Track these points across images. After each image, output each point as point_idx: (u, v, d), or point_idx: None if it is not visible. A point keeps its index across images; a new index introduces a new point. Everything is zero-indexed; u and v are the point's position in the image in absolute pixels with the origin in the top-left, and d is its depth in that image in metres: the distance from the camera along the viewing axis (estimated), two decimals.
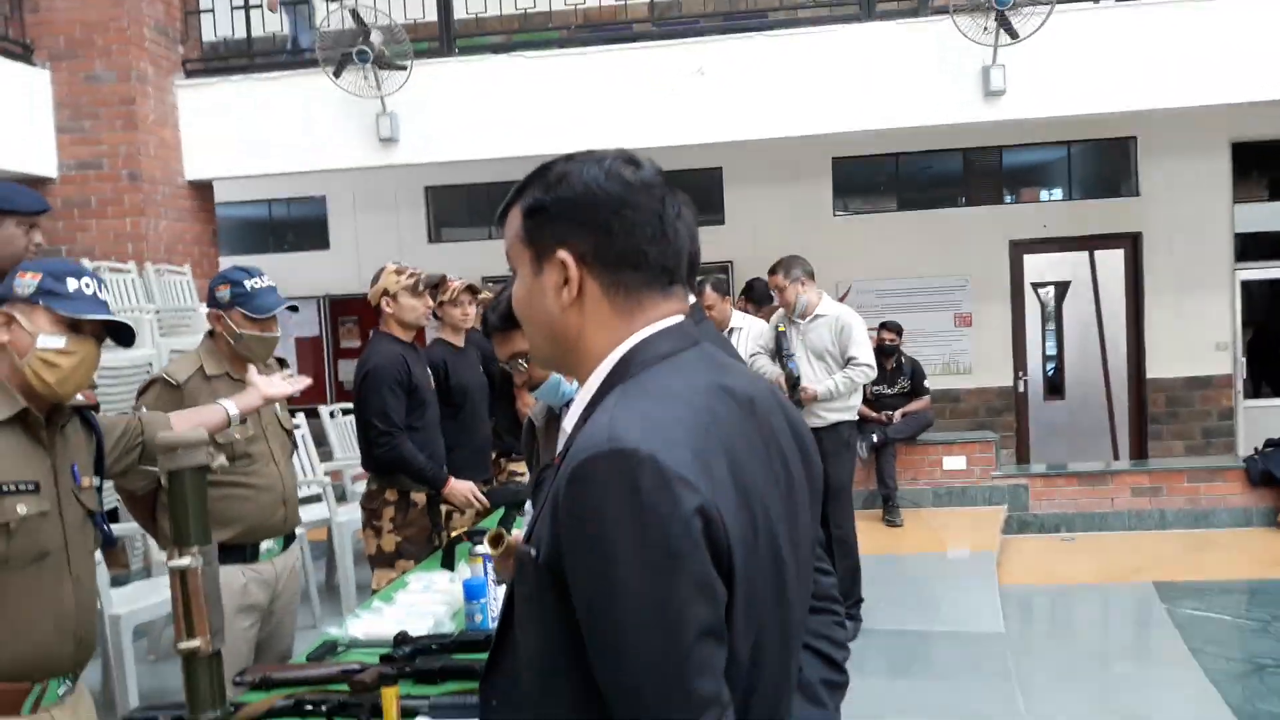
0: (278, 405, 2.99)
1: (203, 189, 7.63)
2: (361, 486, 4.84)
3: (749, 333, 5.37)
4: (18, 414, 1.87)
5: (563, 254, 1.13)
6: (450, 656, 2.38)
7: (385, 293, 3.75)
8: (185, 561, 1.52)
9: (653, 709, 0.97)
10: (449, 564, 2.95)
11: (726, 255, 9.03)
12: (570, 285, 1.14)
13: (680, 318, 1.17)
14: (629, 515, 0.97)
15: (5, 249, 2.93)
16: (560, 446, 2.16)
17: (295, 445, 3.16)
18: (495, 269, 5.07)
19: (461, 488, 3.69)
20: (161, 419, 2.35)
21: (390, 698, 2.09)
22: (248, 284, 2.88)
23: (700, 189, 9.85)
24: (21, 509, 1.81)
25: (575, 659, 1.03)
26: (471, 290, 4.20)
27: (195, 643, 1.52)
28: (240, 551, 2.85)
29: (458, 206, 10.51)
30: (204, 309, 6.68)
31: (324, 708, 2.09)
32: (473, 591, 2.66)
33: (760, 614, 1.05)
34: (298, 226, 10.58)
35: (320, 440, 6.73)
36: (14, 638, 1.77)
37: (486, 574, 2.76)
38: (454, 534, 3.10)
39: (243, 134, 7.27)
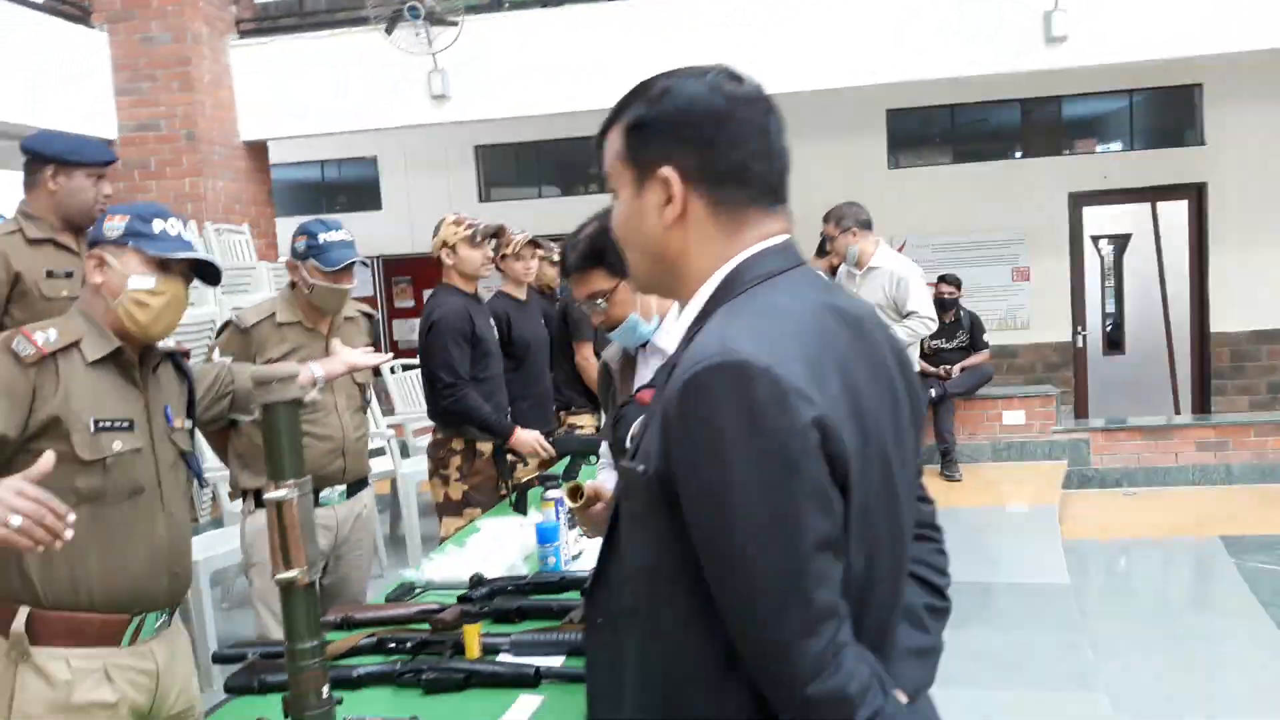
0: None
1: (257, 149, 7.69)
2: (424, 441, 4.90)
3: None
4: (112, 353, 1.90)
5: (666, 171, 1.12)
6: (527, 597, 2.40)
7: (444, 244, 3.76)
8: (282, 494, 1.53)
9: (771, 620, 0.97)
10: (521, 509, 2.97)
11: None
12: (674, 203, 1.12)
13: (785, 237, 1.15)
14: (745, 427, 0.96)
15: (74, 200, 2.98)
16: (646, 380, 2.17)
17: (367, 401, 3.18)
18: (545, 228, 5.05)
19: (527, 437, 3.71)
20: (249, 368, 2.39)
21: (472, 635, 2.12)
22: (321, 237, 2.92)
23: None
24: (117, 445, 1.85)
25: (687, 574, 1.03)
26: (533, 244, 4.18)
27: (293, 573, 1.54)
28: None
29: (508, 166, 10.50)
30: (263, 267, 6.79)
31: (407, 645, 2.11)
32: (545, 535, 2.67)
33: (874, 530, 1.04)
34: (350, 188, 10.65)
35: (382, 396, 6.81)
36: (112, 571, 1.82)
37: (558, 518, 2.78)
38: (524, 480, 3.12)
39: (295, 94, 7.30)
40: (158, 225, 1.93)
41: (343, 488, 3.02)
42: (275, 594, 1.81)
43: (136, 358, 1.96)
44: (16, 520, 1.54)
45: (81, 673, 1.78)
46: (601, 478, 2.45)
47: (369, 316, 3.26)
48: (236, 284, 6.28)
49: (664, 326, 2.17)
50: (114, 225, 1.93)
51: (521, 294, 4.24)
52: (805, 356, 1.00)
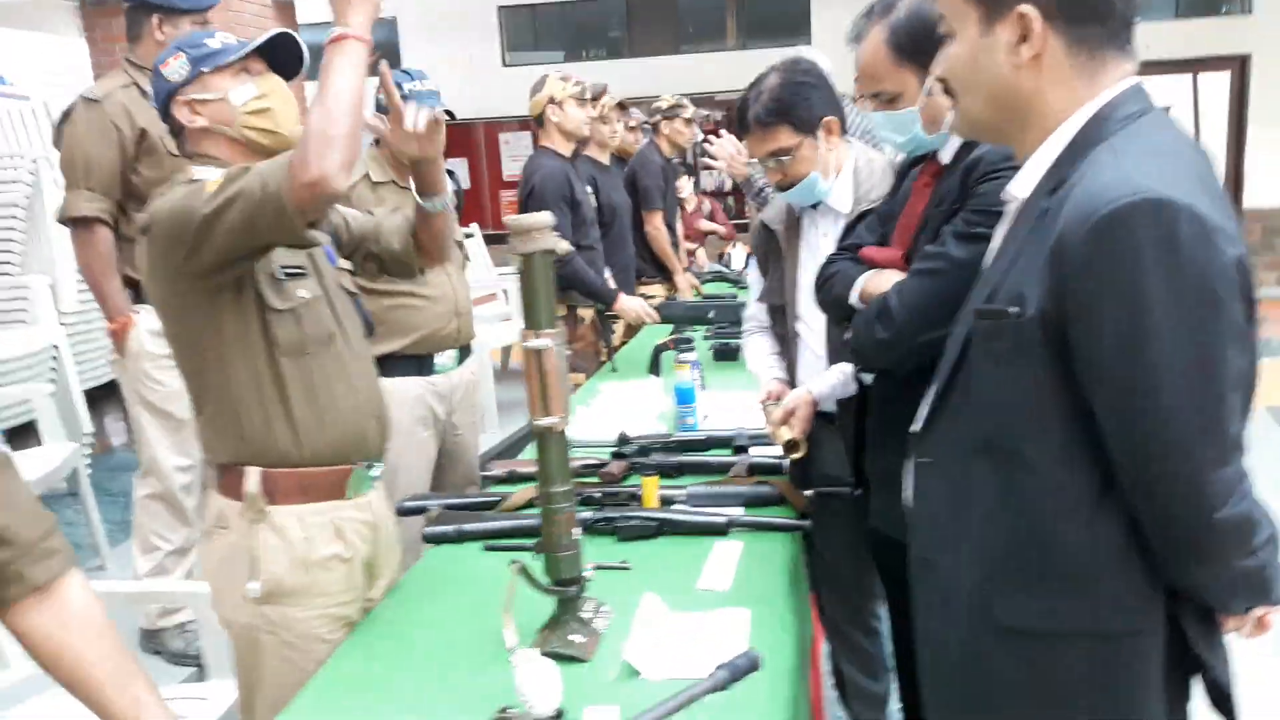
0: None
1: (285, 8, 7.43)
2: (485, 309, 4.88)
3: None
4: None
5: (1025, 8, 1.10)
6: (679, 453, 2.46)
7: (551, 100, 3.66)
8: (542, 343, 1.55)
9: (1186, 452, 1.00)
10: (655, 370, 3.00)
11: None
12: (1031, 41, 1.10)
13: (1139, 78, 1.14)
14: (1169, 263, 0.97)
15: None
16: (820, 239, 2.15)
17: (467, 258, 3.10)
18: None
19: (633, 303, 3.70)
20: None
21: (651, 487, 2.17)
22: (406, 87, 2.79)
23: (785, 9, 9.47)
24: (302, 292, 1.78)
25: (1060, 409, 1.06)
26: (621, 107, 4.09)
27: (552, 419, 1.57)
28: (415, 363, 2.83)
29: (530, 29, 10.20)
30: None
31: (589, 496, 2.17)
32: (684, 396, 2.72)
33: (1252, 373, 1.07)
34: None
35: None
36: (327, 421, 1.79)
37: (693, 380, 2.82)
38: (659, 343, 3.14)
39: None
40: (212, 42, 1.79)
41: (455, 352, 3.00)
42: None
43: None
44: None
45: (315, 527, 1.78)
46: (750, 345, 2.44)
47: (450, 173, 3.13)
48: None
49: (837, 186, 2.16)
50: (176, 67, 1.78)
51: (605, 158, 4.18)
52: (1209, 194, 1.01)
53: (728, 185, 10.90)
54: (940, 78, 1.24)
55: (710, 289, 5.19)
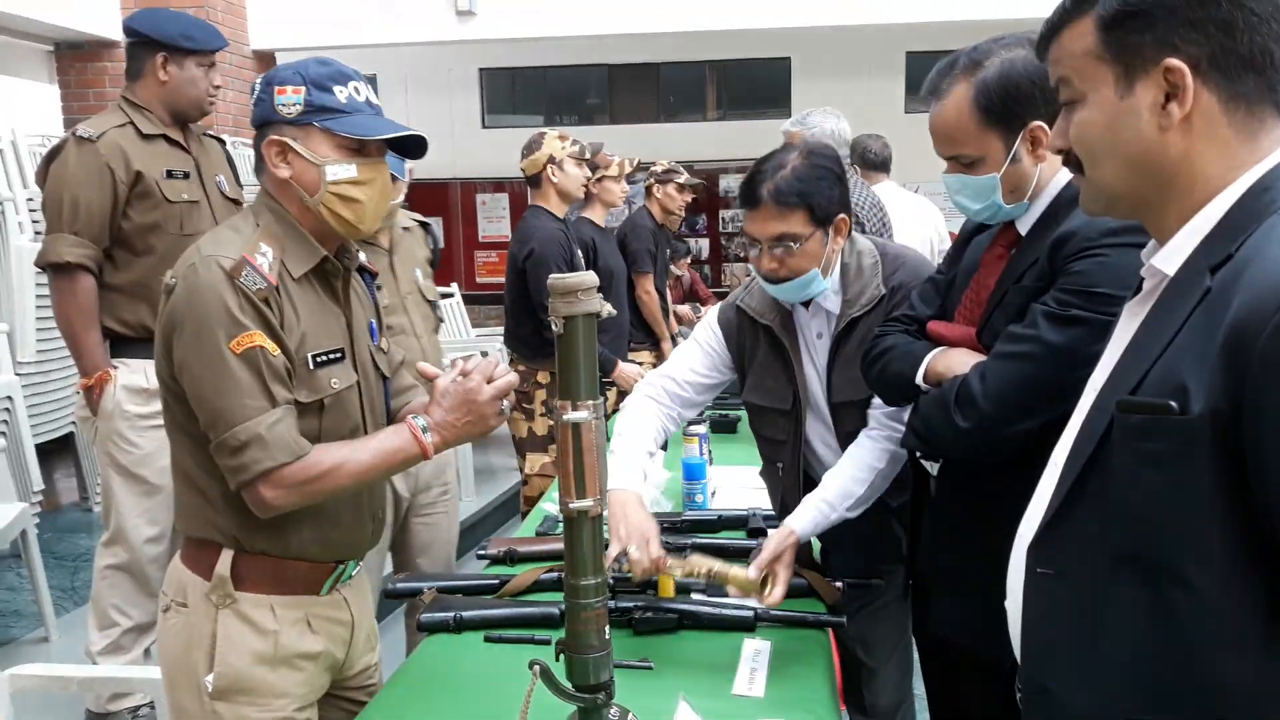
0: (419, 274, 2.77)
1: (266, 60, 7.33)
2: None
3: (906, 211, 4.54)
4: (317, 264, 1.60)
5: (1173, 62, 0.97)
6: (688, 535, 2.28)
7: (551, 160, 3.54)
8: (581, 415, 1.38)
9: None
10: (662, 444, 2.83)
11: None
12: (1183, 98, 0.97)
13: None
14: None
15: (187, 92, 2.74)
16: (816, 334, 1.99)
17: (440, 319, 2.93)
18: None
19: (631, 370, 3.56)
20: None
21: (667, 576, 2.00)
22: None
23: (767, 81, 9.54)
24: (335, 382, 1.59)
25: (1229, 525, 0.91)
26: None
27: (587, 503, 1.40)
28: None
29: (510, 92, 10.18)
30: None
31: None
32: (692, 472, 2.56)
33: None
34: None
35: None
36: (323, 518, 1.61)
37: (703, 454, 2.66)
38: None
39: (308, 2, 6.95)
40: (340, 93, 1.56)
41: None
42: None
43: (340, 267, 1.65)
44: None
45: (286, 620, 1.60)
46: (637, 418, 2.17)
47: (425, 226, 2.94)
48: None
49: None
50: (289, 100, 1.54)
51: (601, 219, 4.05)
52: None
53: (705, 253, 10.89)
54: (1061, 149, 1.11)
55: None
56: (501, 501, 5.15)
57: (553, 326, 1.39)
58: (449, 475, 2.91)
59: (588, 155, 3.55)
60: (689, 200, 4.92)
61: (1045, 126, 1.48)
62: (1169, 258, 1.01)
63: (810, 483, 2.01)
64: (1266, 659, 0.92)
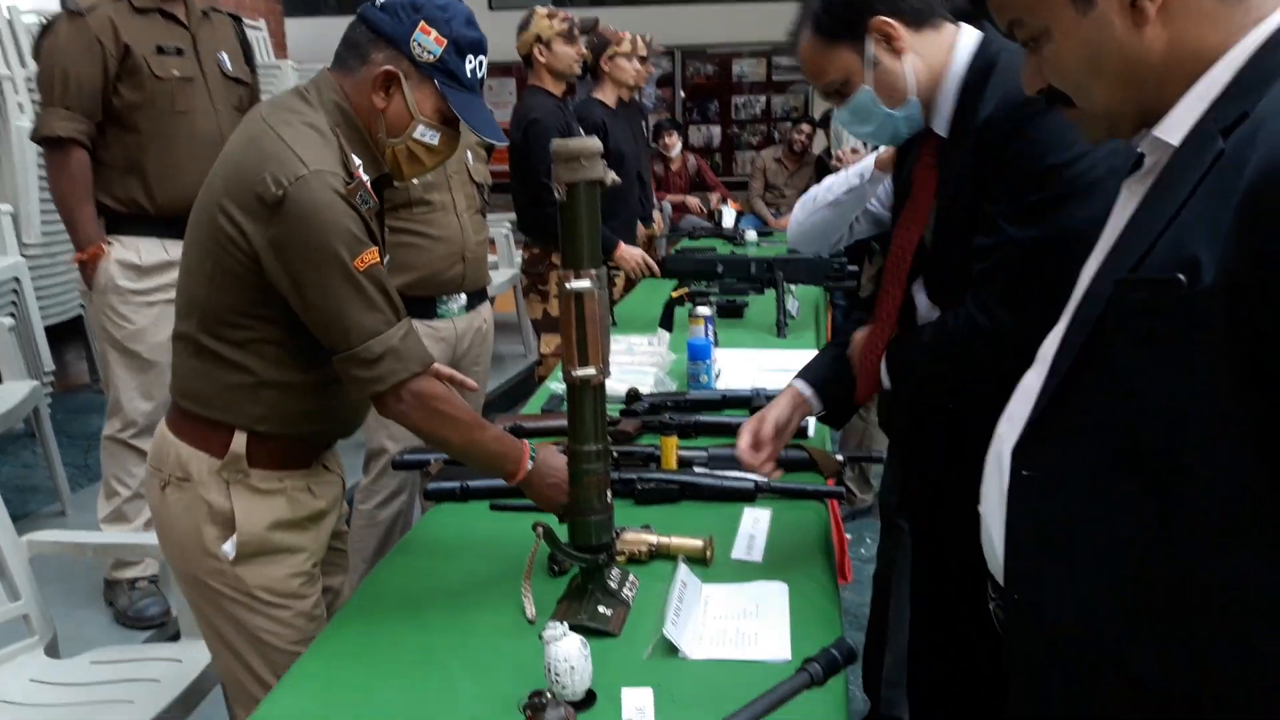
0: (469, 154, 2.77)
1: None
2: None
3: None
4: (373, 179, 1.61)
5: None
6: (692, 413, 2.31)
7: (538, 39, 3.45)
8: (584, 284, 1.38)
9: None
10: (667, 324, 2.84)
11: None
12: None
13: None
14: None
15: None
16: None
17: (486, 201, 2.90)
18: None
19: (632, 253, 3.53)
20: None
21: (670, 447, 2.03)
22: None
23: None
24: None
25: (1241, 412, 0.84)
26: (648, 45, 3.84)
27: (589, 370, 1.41)
28: (415, 305, 2.68)
29: None
30: (287, 66, 6.35)
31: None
32: (697, 352, 2.56)
33: None
34: None
35: None
36: (334, 409, 1.68)
37: (708, 336, 2.66)
38: (674, 294, 2.98)
39: None
40: (470, 64, 1.57)
41: (463, 298, 2.82)
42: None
43: (388, 183, 1.70)
44: None
45: (294, 488, 1.67)
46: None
47: None
48: (264, 87, 5.87)
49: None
50: (427, 44, 1.53)
51: (613, 100, 3.94)
52: None
53: (716, 141, 10.69)
54: (1042, 90, 1.03)
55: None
56: (509, 386, 5.20)
57: (555, 194, 1.38)
58: (485, 351, 2.96)
59: (576, 32, 3.44)
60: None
61: (888, 19, 1.46)
62: (1172, 127, 0.94)
63: None
64: (1274, 557, 0.85)
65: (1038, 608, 0.98)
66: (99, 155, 2.69)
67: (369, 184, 1.53)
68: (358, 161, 1.53)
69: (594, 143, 1.36)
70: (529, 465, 1.61)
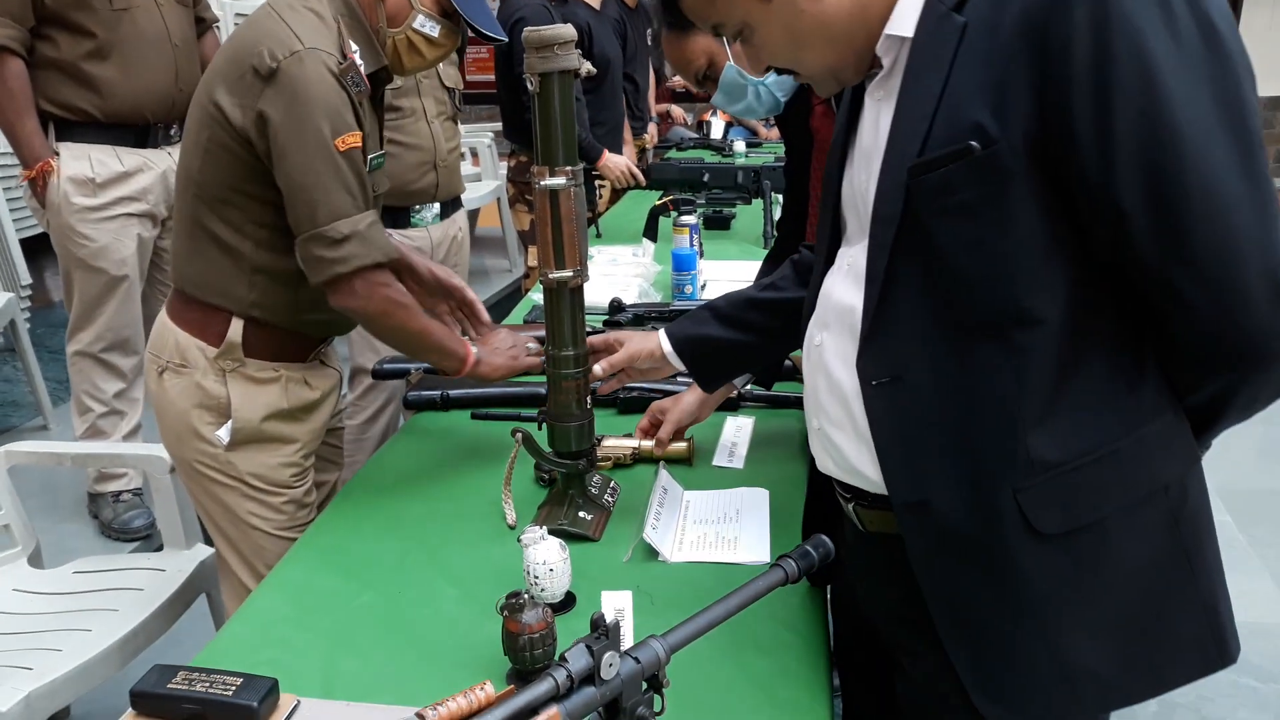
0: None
1: None
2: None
3: None
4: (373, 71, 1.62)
5: None
6: None
7: None
8: (558, 181, 1.34)
9: (1235, 211, 0.82)
10: (652, 235, 2.80)
11: None
12: None
13: None
14: (1162, 12, 0.81)
15: None
16: None
17: (459, 107, 2.82)
18: None
19: (617, 162, 3.45)
20: None
21: None
22: None
23: None
24: (377, 188, 1.67)
25: (1063, 252, 0.88)
26: None
27: (566, 273, 1.37)
28: (391, 215, 2.62)
29: None
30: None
31: None
32: (682, 262, 2.53)
33: None
34: None
35: None
36: (318, 298, 1.64)
37: (693, 246, 2.62)
38: (657, 203, 2.92)
39: None
40: None
41: (436, 207, 2.77)
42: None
43: (389, 75, 1.69)
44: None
45: (291, 380, 1.70)
46: None
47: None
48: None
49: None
50: None
51: (599, 3, 3.81)
52: None
53: None
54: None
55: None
56: (495, 301, 5.15)
57: (527, 85, 1.33)
58: (462, 260, 2.93)
59: None
60: None
61: None
62: (900, 21, 0.94)
63: None
64: (1140, 392, 0.92)
65: (924, 507, 0.99)
66: (37, 61, 2.56)
67: (363, 71, 1.54)
68: (354, 48, 1.54)
69: (568, 30, 1.30)
70: (474, 350, 1.64)
